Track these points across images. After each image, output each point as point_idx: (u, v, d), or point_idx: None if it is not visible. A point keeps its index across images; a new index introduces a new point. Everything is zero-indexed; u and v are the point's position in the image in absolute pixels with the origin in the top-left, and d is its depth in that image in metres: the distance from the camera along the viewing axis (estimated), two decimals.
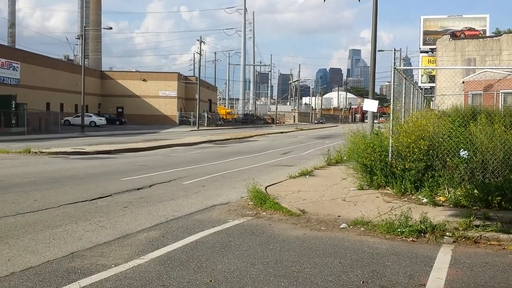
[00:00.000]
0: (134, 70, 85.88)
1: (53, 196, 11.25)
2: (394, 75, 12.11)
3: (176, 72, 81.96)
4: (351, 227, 8.46)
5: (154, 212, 9.73)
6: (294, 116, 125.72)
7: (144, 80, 77.26)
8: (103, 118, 64.11)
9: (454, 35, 43.07)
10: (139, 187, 13.02)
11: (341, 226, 8.52)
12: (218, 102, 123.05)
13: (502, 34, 37.76)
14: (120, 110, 76.82)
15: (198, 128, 63.50)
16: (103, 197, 11.31)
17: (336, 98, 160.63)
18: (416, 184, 10.89)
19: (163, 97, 76.70)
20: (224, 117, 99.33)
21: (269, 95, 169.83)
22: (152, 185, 13.38)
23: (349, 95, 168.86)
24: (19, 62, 52.68)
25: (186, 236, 7.76)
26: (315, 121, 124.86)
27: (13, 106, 43.04)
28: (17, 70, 52.23)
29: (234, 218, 9.24)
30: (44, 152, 22.67)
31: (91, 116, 61.58)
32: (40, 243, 7.20)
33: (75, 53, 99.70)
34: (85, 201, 10.82)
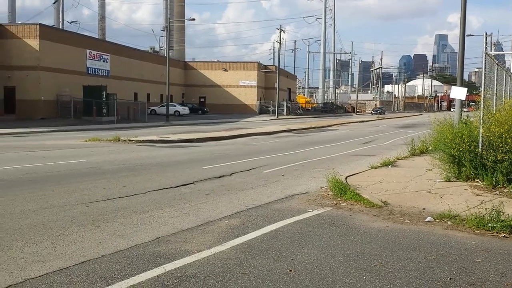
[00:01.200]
0: (215, 61, 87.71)
1: (140, 183, 11.72)
2: (485, 61, 11.40)
3: (256, 62, 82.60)
4: (437, 220, 8.09)
5: (234, 200, 9.86)
6: (376, 104, 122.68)
7: (225, 70, 78.57)
8: (187, 108, 66.00)
9: None
10: (220, 175, 13.24)
11: (426, 220, 8.17)
12: (297, 91, 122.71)
13: None
14: (202, 99, 78.75)
15: (277, 117, 63.68)
16: (186, 185, 11.62)
17: (421, 85, 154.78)
18: (509, 177, 10.24)
19: (243, 87, 77.62)
20: (304, 106, 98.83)
21: (349, 83, 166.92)
22: (232, 174, 13.56)
23: (435, 82, 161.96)
24: (109, 54, 55.42)
25: (265, 225, 7.78)
26: (372, 112, 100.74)
27: (104, 96, 45.40)
28: (107, 62, 54.97)
29: (314, 208, 9.15)
30: (132, 140, 23.71)
31: (175, 106, 63.59)
32: (128, 228, 7.52)
33: (160, 44, 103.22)
34: (169, 188, 11.18)
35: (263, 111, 76.46)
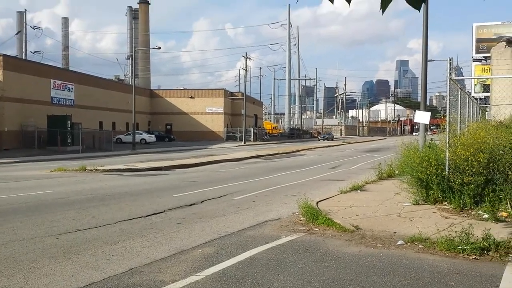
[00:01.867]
0: (181, 88, 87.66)
1: (110, 213, 11.50)
2: (449, 85, 11.77)
3: (222, 89, 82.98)
4: (409, 244, 8.20)
5: (207, 228, 9.77)
6: (341, 129, 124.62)
7: (191, 97, 78.60)
8: (153, 136, 65.52)
9: (510, 42, 41.58)
10: (191, 203, 13.13)
11: (397, 243, 8.27)
12: (264, 117, 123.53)
13: None
14: (169, 127, 78.37)
15: (244, 143, 63.81)
16: (157, 213, 11.47)
17: (384, 110, 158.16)
18: (475, 199, 10.48)
19: (210, 114, 77.72)
20: (270, 132, 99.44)
21: (315, 108, 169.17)
22: (203, 201, 13.47)
23: (397, 107, 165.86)
24: (73, 83, 54.75)
25: (240, 253, 7.73)
26: (319, 138, 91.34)
27: (69, 126, 44.67)
28: (71, 91, 54.26)
29: (287, 234, 9.14)
30: (99, 170, 23.31)
31: (142, 134, 63.05)
32: (100, 259, 7.34)
33: (125, 73, 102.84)
34: (140, 217, 11.00)
35: (230, 137, 76.56)
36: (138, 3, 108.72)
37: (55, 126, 43.40)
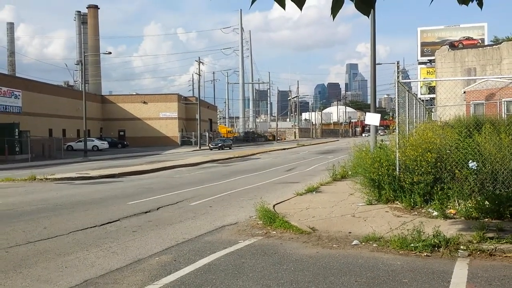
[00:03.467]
0: (134, 93, 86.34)
1: (62, 223, 11.20)
2: (398, 88, 12.13)
3: (176, 93, 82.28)
4: (363, 243, 8.39)
5: (164, 236, 9.67)
6: (295, 132, 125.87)
7: (144, 102, 77.55)
8: (105, 142, 64.22)
9: (453, 45, 43.30)
10: (147, 210, 12.96)
11: (353, 243, 8.45)
12: (218, 121, 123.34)
13: (501, 42, 37.85)
14: (121, 133, 76.99)
15: (200, 148, 63.48)
16: (111, 222, 11.26)
17: (336, 112, 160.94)
18: (425, 198, 10.83)
19: (164, 119, 76.89)
20: (225, 136, 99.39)
21: (268, 112, 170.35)
22: (159, 208, 13.32)
23: (348, 109, 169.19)
24: (20, 90, 52.96)
25: (198, 259, 7.69)
26: (210, 146, 63.52)
27: (17, 134, 43.17)
28: (18, 98, 52.46)
29: (245, 238, 9.17)
30: (49, 179, 22.65)
31: (94, 141, 61.68)
32: (53, 272, 7.14)
33: (75, 78, 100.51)
34: (94, 226, 10.77)
35: (185, 142, 75.97)
36: (87, 8, 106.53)
37: (1, 135, 41.82)
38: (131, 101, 78.71)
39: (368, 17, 4.04)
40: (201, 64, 70.39)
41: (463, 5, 5.87)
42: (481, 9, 5.92)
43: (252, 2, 3.66)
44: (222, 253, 8.04)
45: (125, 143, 70.52)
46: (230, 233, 9.74)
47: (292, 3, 3.71)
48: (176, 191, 17.35)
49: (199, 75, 69.84)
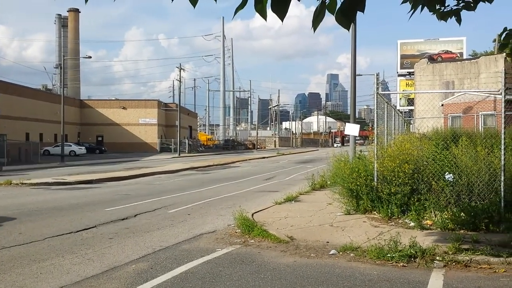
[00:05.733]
0: (113, 98, 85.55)
1: (37, 229, 11.02)
2: (377, 100, 12.27)
3: (156, 100, 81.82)
4: (341, 253, 8.43)
5: (141, 243, 9.59)
6: (275, 141, 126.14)
7: (123, 108, 76.94)
8: (83, 147, 63.45)
9: (432, 59, 43.98)
10: (124, 217, 12.84)
11: (330, 253, 8.49)
12: (198, 129, 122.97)
13: (479, 57, 38.61)
14: (100, 138, 76.18)
15: (179, 155, 63.15)
16: (88, 229, 11.12)
17: (316, 122, 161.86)
18: (402, 208, 10.96)
19: (143, 125, 76.36)
20: (205, 144, 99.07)
21: (249, 120, 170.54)
22: (137, 215, 13.21)
23: (329, 119, 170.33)
24: None
25: (175, 267, 7.64)
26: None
27: None
28: None
29: (223, 246, 9.15)
30: (25, 184, 22.29)
31: (71, 146, 60.91)
32: (28, 278, 7.02)
33: (54, 82, 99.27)
34: (70, 233, 10.62)
35: (165, 149, 75.50)
36: (67, 11, 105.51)
37: None
38: (110, 106, 78.02)
39: (348, 31, 4.09)
40: (182, 70, 70.21)
41: (441, 21, 6.02)
42: (460, 25, 6.06)
43: (235, 13, 3.69)
44: (199, 261, 8.00)
45: (103, 148, 69.76)
46: (208, 241, 9.70)
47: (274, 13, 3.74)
48: (155, 198, 17.22)
49: (180, 81, 69.65)
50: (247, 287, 6.57)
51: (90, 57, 56.99)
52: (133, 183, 24.24)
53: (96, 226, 11.46)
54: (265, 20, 3.79)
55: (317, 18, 4.03)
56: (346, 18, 3.98)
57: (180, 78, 69.15)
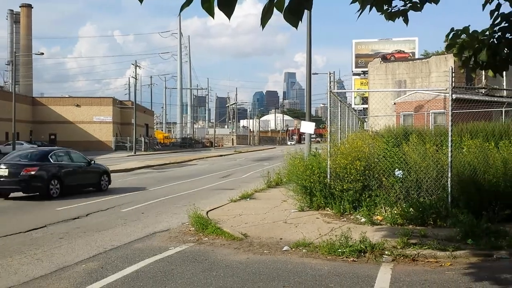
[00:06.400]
0: (67, 96, 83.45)
1: None
2: (330, 98, 12.46)
3: (111, 97, 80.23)
4: (293, 249, 8.53)
5: (92, 242, 9.41)
6: (233, 139, 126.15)
7: (77, 105, 75.14)
8: (35, 146, 61.65)
9: (385, 58, 45.01)
10: (75, 216, 12.57)
11: (283, 249, 8.57)
12: (155, 127, 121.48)
13: (430, 56, 39.76)
14: (53, 137, 74.13)
15: (135, 153, 62.22)
16: (37, 229, 10.83)
17: (273, 120, 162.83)
18: (354, 204, 11.17)
19: (98, 123, 74.79)
20: (162, 142, 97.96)
21: (207, 118, 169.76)
22: (88, 214, 12.95)
23: (286, 117, 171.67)
24: None
25: (126, 266, 7.55)
26: None
27: None
28: None
29: (176, 245, 9.09)
30: None
31: (23, 144, 58.99)
32: None
33: (5, 79, 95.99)
34: (18, 233, 10.32)
35: (120, 147, 74.21)
36: (20, 6, 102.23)
37: None
38: (64, 104, 76.05)
39: (297, 29, 4.13)
40: (138, 67, 69.26)
41: (389, 21, 6.17)
42: (407, 25, 6.22)
43: (181, 9, 3.66)
44: (151, 260, 7.92)
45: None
46: (161, 240, 9.62)
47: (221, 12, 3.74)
48: (108, 197, 16.91)
49: (136, 78, 68.66)
50: (199, 285, 6.55)
51: (43, 53, 55.55)
52: None
53: (46, 226, 11.18)
54: (213, 18, 3.79)
55: (266, 16, 4.05)
56: (294, 16, 4.01)
57: (135, 75, 68.20)
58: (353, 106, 52.23)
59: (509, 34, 5.74)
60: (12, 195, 16.59)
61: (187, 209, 11.82)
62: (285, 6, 3.95)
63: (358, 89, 56.89)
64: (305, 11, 4.28)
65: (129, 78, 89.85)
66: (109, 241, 9.56)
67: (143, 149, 71.16)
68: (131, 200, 15.97)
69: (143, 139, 75.33)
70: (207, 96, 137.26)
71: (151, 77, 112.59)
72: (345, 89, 70.20)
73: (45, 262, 7.85)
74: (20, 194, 16.36)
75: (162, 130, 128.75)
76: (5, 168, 15.84)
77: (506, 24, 5.71)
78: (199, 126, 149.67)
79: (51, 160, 17.00)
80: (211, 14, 3.79)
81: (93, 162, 19.04)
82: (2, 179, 15.77)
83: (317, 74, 51.91)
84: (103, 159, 48.65)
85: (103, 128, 75.03)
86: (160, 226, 11.22)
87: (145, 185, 21.24)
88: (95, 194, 17.70)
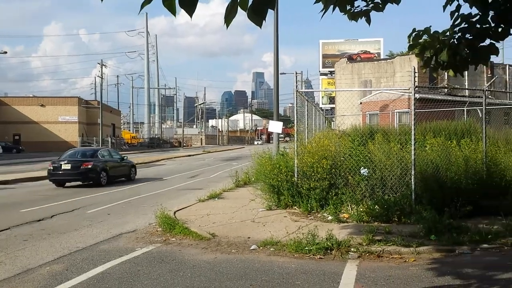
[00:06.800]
0: (31, 95, 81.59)
1: None
2: (296, 97, 12.55)
3: (77, 97, 78.77)
4: (261, 248, 8.56)
5: (56, 244, 9.24)
6: (201, 138, 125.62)
7: (42, 105, 73.53)
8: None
9: (351, 58, 45.58)
10: (40, 218, 12.32)
11: (251, 248, 8.59)
12: (122, 127, 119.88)
13: (395, 57, 40.50)
14: (17, 137, 72.34)
15: None
16: (1, 231, 10.58)
17: (242, 120, 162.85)
18: (321, 202, 11.28)
19: (63, 123, 73.36)
20: (129, 142, 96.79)
21: (175, 118, 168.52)
22: (53, 216, 12.71)
23: (255, 117, 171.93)
24: None
25: (91, 268, 7.44)
26: None
27: None
28: None
29: (142, 246, 9.01)
30: None
31: None
32: None
33: None
34: None
35: None
36: None
37: None
38: (28, 104, 74.30)
39: (260, 28, 4.15)
40: (104, 67, 68.23)
41: (353, 21, 6.26)
42: (369, 25, 6.32)
43: (142, 7, 3.64)
44: (117, 262, 7.83)
45: (21, 148, 66.39)
46: (128, 241, 9.51)
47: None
48: (74, 198, 16.63)
49: (102, 78, 67.64)
50: (166, 286, 6.52)
51: (6, 52, 54.08)
52: (50, 183, 23.22)
53: (10, 228, 10.93)
54: (174, 16, 3.77)
55: (229, 15, 4.05)
56: (258, 16, 4.03)
57: (102, 75, 67.18)
58: (320, 105, 52.71)
59: (469, 35, 5.88)
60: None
61: (155, 210, 11.73)
62: (248, 5, 3.97)
63: (325, 88, 57.43)
64: (271, 11, 4.31)
65: (95, 77, 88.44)
66: (74, 243, 9.39)
67: None
68: (98, 201, 15.74)
69: (109, 140, 74.30)
70: (175, 95, 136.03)
71: (117, 76, 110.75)
72: (312, 89, 70.75)
73: (8, 265, 7.68)
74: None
75: (129, 130, 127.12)
76: (68, 163, 20.78)
77: (466, 25, 5.85)
78: (167, 126, 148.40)
79: (99, 157, 21.81)
80: (173, 12, 3.77)
81: (125, 157, 24.93)
82: (66, 172, 20.58)
83: (285, 74, 52.20)
84: None
85: (69, 128, 73.64)
86: (126, 227, 11.09)
87: (111, 186, 20.94)
88: (62, 196, 17.40)
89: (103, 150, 23.31)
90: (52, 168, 20.90)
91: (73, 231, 10.66)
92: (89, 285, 6.55)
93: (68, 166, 20.64)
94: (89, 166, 20.54)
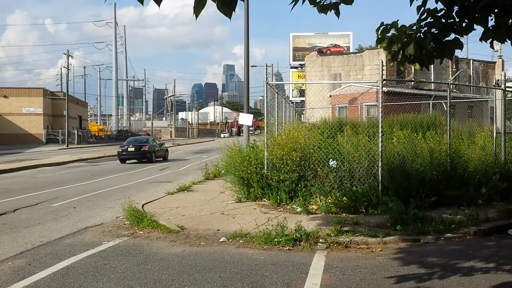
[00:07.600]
0: None
1: None
2: (267, 90, 12.52)
3: (41, 88, 76.97)
4: (230, 240, 8.53)
5: (19, 239, 9.01)
6: (171, 131, 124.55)
7: (5, 96, 71.52)
8: None
9: (321, 52, 45.76)
10: (2, 212, 12.00)
11: (220, 240, 8.56)
12: (89, 119, 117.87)
13: (364, 51, 40.89)
14: None
15: (67, 146, 60.15)
16: None
17: (213, 112, 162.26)
18: (290, 194, 11.31)
19: (27, 115, 71.55)
20: (97, 134, 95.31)
21: (144, 110, 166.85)
22: (16, 210, 12.39)
23: (225, 109, 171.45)
24: None
25: (55, 263, 7.28)
26: None
27: None
28: None
29: (109, 239, 8.87)
30: None
31: None
32: None
33: None
34: None
35: (52, 140, 71.43)
36: None
37: None
38: None
39: (230, 19, 4.11)
40: (70, 57, 66.88)
41: (322, 13, 6.25)
42: (338, 18, 6.32)
43: None
44: (83, 256, 7.69)
45: None
46: (94, 235, 9.35)
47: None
48: (37, 192, 16.25)
49: (68, 69, 66.28)
50: (133, 279, 6.42)
51: None
52: (14, 176, 22.71)
53: None
54: (142, 4, 3.71)
55: (199, 6, 4.00)
56: (227, 7, 4.00)
57: (68, 66, 65.82)
58: (291, 98, 52.92)
59: (435, 29, 5.95)
60: None
61: (122, 203, 11.54)
62: None
63: (295, 81, 57.62)
64: (241, 2, 4.27)
65: (61, 68, 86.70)
66: (38, 237, 9.18)
67: (76, 142, 68.95)
68: (63, 194, 15.42)
69: (76, 132, 72.98)
70: (144, 87, 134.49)
71: (84, 67, 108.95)
72: (283, 82, 70.89)
73: None
74: None
75: (96, 122, 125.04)
76: (132, 147, 30.53)
77: (432, 20, 5.92)
78: (136, 119, 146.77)
79: (150, 142, 31.75)
80: (140, 0, 3.72)
81: (163, 143, 36.27)
82: (131, 152, 30.17)
83: (255, 66, 52.27)
84: (32, 152, 46.70)
85: (33, 120, 71.91)
86: (92, 220, 10.90)
87: (77, 179, 20.58)
88: (25, 190, 17.00)
89: (150, 138, 34.94)
90: (121, 150, 30.56)
91: (36, 225, 10.38)
92: (53, 280, 6.41)
93: (132, 149, 30.03)
94: (146, 149, 29.94)
